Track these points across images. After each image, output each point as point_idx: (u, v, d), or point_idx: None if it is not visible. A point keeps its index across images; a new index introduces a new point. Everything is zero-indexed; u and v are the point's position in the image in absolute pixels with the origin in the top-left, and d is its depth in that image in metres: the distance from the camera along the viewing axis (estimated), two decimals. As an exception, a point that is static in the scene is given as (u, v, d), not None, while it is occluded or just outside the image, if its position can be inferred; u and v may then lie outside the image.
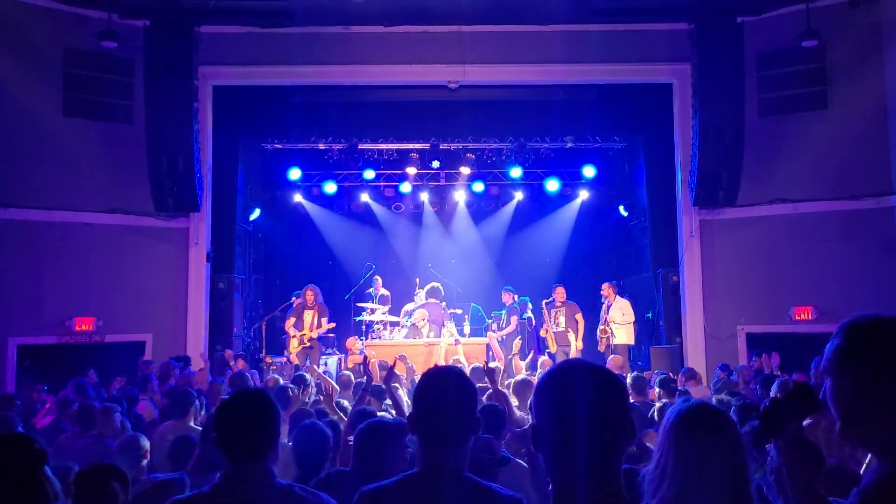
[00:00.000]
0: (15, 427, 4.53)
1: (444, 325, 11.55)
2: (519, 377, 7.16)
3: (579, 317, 11.46)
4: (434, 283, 12.33)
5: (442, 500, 2.05)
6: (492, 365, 6.98)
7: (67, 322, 9.82)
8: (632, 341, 11.11)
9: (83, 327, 9.92)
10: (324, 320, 11.17)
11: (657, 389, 6.66)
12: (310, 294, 11.26)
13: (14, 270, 9.57)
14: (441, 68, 10.61)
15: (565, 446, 1.54)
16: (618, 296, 11.29)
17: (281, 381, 7.12)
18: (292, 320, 11.24)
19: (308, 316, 11.17)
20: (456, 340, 11.03)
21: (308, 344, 11.02)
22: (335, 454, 3.90)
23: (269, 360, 11.41)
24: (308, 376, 6.95)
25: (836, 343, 1.67)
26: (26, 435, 2.25)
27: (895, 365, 1.59)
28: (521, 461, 4.18)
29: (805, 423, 4.71)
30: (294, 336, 11.08)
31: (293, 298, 11.76)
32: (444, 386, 2.16)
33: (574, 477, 1.53)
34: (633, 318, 11.09)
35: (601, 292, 11.40)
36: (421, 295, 12.16)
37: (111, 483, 3.11)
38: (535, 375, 8.13)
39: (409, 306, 12.22)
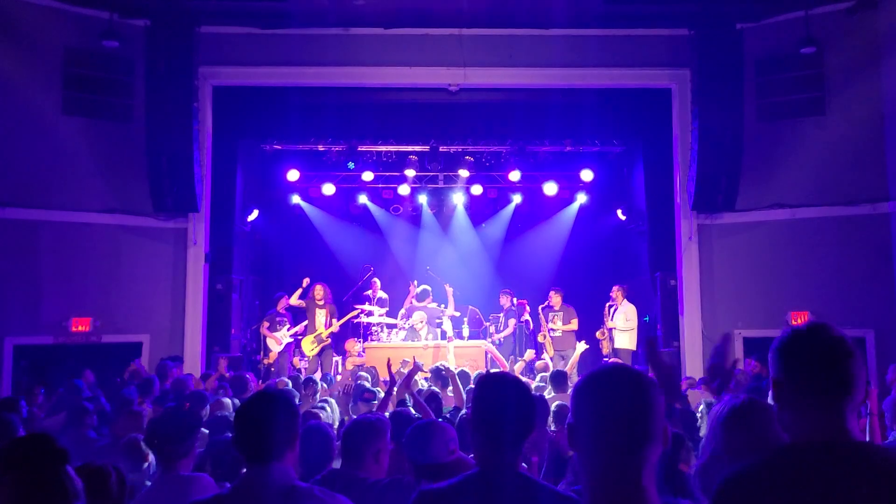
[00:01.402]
0: (16, 429, 4.50)
1: (439, 325, 11.53)
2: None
3: (574, 322, 11.47)
4: (423, 286, 12.29)
5: (504, 499, 2.10)
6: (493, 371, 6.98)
7: (64, 322, 9.77)
8: (633, 346, 11.10)
9: (80, 327, 9.85)
10: (334, 319, 11.08)
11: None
12: (319, 291, 11.12)
13: (11, 270, 9.51)
14: (441, 71, 10.61)
15: (602, 446, 1.58)
16: (626, 300, 11.27)
17: (290, 385, 7.11)
18: (266, 324, 11.22)
19: (320, 315, 11.07)
20: (449, 338, 11.02)
21: (327, 342, 10.96)
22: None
23: (266, 361, 11.39)
24: (317, 378, 6.92)
25: None
26: (48, 434, 2.25)
27: (783, 366, 1.79)
28: (522, 464, 4.21)
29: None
30: (304, 337, 11.00)
31: (279, 302, 11.66)
32: (503, 388, 2.24)
33: (609, 476, 1.57)
34: (635, 325, 11.10)
35: (611, 293, 11.36)
36: (430, 297, 12.15)
37: (108, 482, 3.11)
38: (531, 378, 8.14)
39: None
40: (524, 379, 7.16)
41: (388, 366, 5.31)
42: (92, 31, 9.72)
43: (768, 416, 1.95)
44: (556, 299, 11.55)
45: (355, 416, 4.90)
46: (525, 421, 2.21)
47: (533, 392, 5.89)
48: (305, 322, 11.44)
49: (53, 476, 2.09)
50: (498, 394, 2.23)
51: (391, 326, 12.06)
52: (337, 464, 3.54)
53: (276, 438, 2.37)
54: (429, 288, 12.24)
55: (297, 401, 5.67)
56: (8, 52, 9.51)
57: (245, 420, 2.43)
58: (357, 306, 12.14)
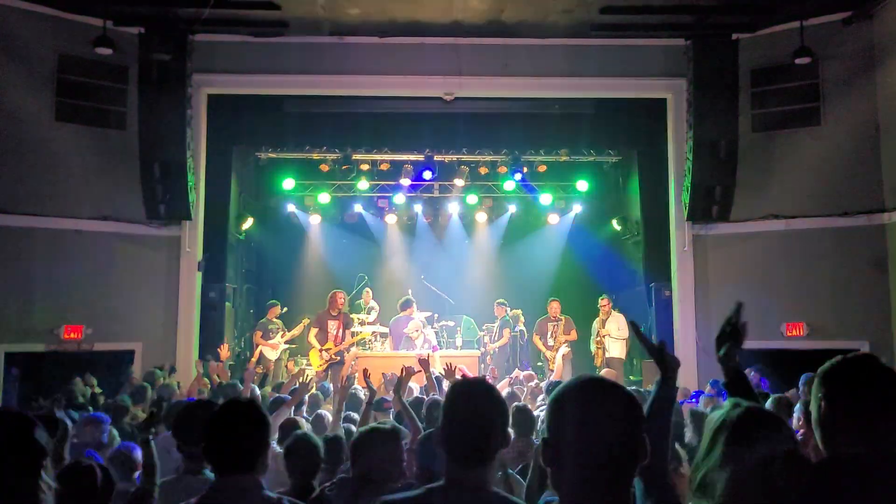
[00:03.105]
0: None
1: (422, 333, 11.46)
2: (505, 391, 7.11)
3: (574, 333, 11.39)
4: (406, 297, 12.20)
5: None
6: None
7: (56, 330, 9.70)
8: (624, 356, 11.06)
9: (72, 335, 9.79)
10: (348, 332, 10.68)
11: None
12: (340, 298, 10.73)
13: (3, 276, 9.46)
14: (436, 80, 10.61)
15: (578, 462, 1.54)
16: (613, 310, 11.25)
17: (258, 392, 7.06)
18: (259, 333, 11.05)
19: (332, 327, 10.62)
20: (434, 347, 10.94)
21: (336, 359, 10.46)
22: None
23: (259, 370, 11.31)
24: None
25: None
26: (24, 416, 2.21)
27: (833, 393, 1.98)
28: (517, 475, 4.18)
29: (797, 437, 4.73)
30: (317, 349, 10.65)
31: (271, 310, 11.55)
32: (473, 401, 2.08)
33: (585, 493, 1.54)
34: (626, 335, 11.04)
35: (600, 305, 11.31)
36: (413, 307, 12.07)
37: (94, 481, 3.11)
38: (521, 389, 8.09)
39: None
40: (509, 390, 7.12)
41: (366, 377, 5.29)
42: (85, 38, 9.70)
43: (777, 429, 1.92)
44: (554, 308, 11.48)
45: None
46: (496, 437, 2.06)
47: (521, 404, 5.86)
48: (301, 325, 11.19)
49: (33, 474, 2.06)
50: (468, 406, 2.07)
51: (384, 335, 11.99)
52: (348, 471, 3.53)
53: (246, 449, 2.34)
54: (409, 297, 12.12)
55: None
56: (1, 58, 9.49)
57: (215, 430, 2.39)
58: (358, 325, 11.83)
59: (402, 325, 11.54)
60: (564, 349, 11.00)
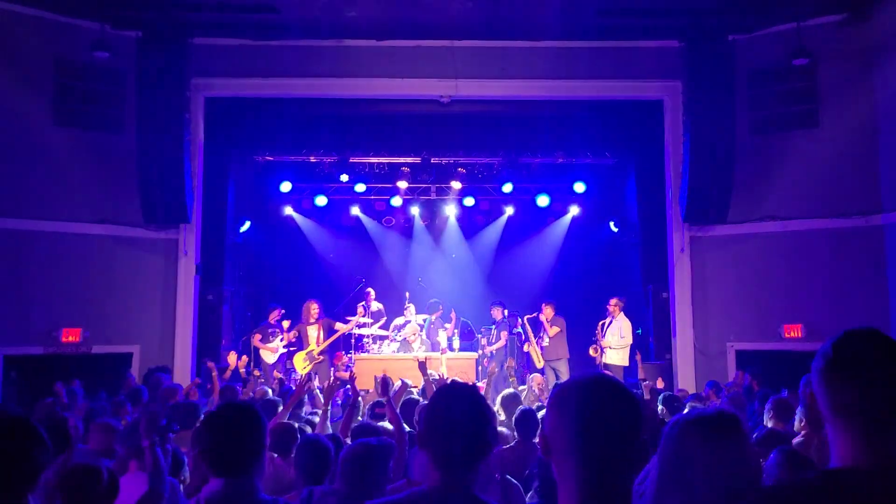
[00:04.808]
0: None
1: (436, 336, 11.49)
2: (507, 392, 7.11)
3: (555, 329, 11.35)
4: (433, 299, 12.27)
5: None
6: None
7: (54, 332, 9.71)
8: (626, 362, 10.85)
9: (70, 338, 9.79)
10: (334, 325, 11.09)
11: (661, 407, 6.56)
12: (314, 308, 11.07)
13: (1, 280, 9.46)
14: (433, 82, 10.62)
15: (579, 457, 1.54)
16: (622, 313, 11.11)
17: (270, 394, 7.07)
18: (258, 336, 11.15)
19: (312, 331, 10.99)
20: (442, 350, 10.94)
21: (319, 359, 10.84)
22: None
23: (257, 372, 11.31)
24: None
25: None
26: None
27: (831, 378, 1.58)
28: (513, 479, 4.17)
29: (798, 440, 4.71)
30: (302, 353, 10.93)
31: (272, 313, 11.59)
32: (456, 405, 2.07)
33: (585, 488, 1.54)
34: (630, 342, 10.95)
35: (607, 306, 11.18)
36: (411, 309, 12.08)
37: (99, 483, 3.11)
38: (523, 391, 8.10)
39: (398, 321, 12.15)
40: (511, 390, 7.11)
41: (352, 380, 5.29)
42: (83, 42, 9.70)
43: (742, 437, 1.82)
44: (548, 312, 11.48)
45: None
46: (480, 441, 2.04)
47: (525, 406, 5.87)
48: (297, 331, 11.35)
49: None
50: (451, 409, 2.06)
51: (382, 338, 11.99)
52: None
53: (244, 451, 2.34)
54: (437, 300, 12.16)
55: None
56: (-1, 63, 9.51)
57: (213, 432, 2.40)
58: (346, 321, 11.88)
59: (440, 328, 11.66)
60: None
